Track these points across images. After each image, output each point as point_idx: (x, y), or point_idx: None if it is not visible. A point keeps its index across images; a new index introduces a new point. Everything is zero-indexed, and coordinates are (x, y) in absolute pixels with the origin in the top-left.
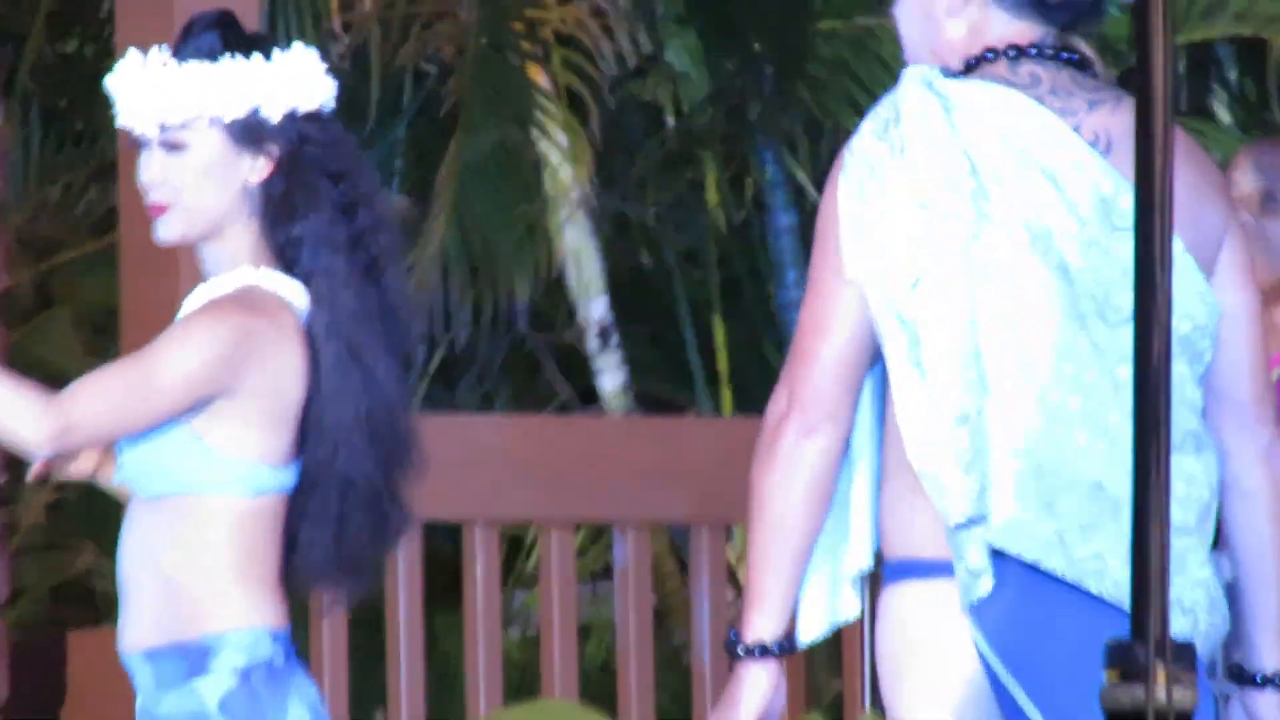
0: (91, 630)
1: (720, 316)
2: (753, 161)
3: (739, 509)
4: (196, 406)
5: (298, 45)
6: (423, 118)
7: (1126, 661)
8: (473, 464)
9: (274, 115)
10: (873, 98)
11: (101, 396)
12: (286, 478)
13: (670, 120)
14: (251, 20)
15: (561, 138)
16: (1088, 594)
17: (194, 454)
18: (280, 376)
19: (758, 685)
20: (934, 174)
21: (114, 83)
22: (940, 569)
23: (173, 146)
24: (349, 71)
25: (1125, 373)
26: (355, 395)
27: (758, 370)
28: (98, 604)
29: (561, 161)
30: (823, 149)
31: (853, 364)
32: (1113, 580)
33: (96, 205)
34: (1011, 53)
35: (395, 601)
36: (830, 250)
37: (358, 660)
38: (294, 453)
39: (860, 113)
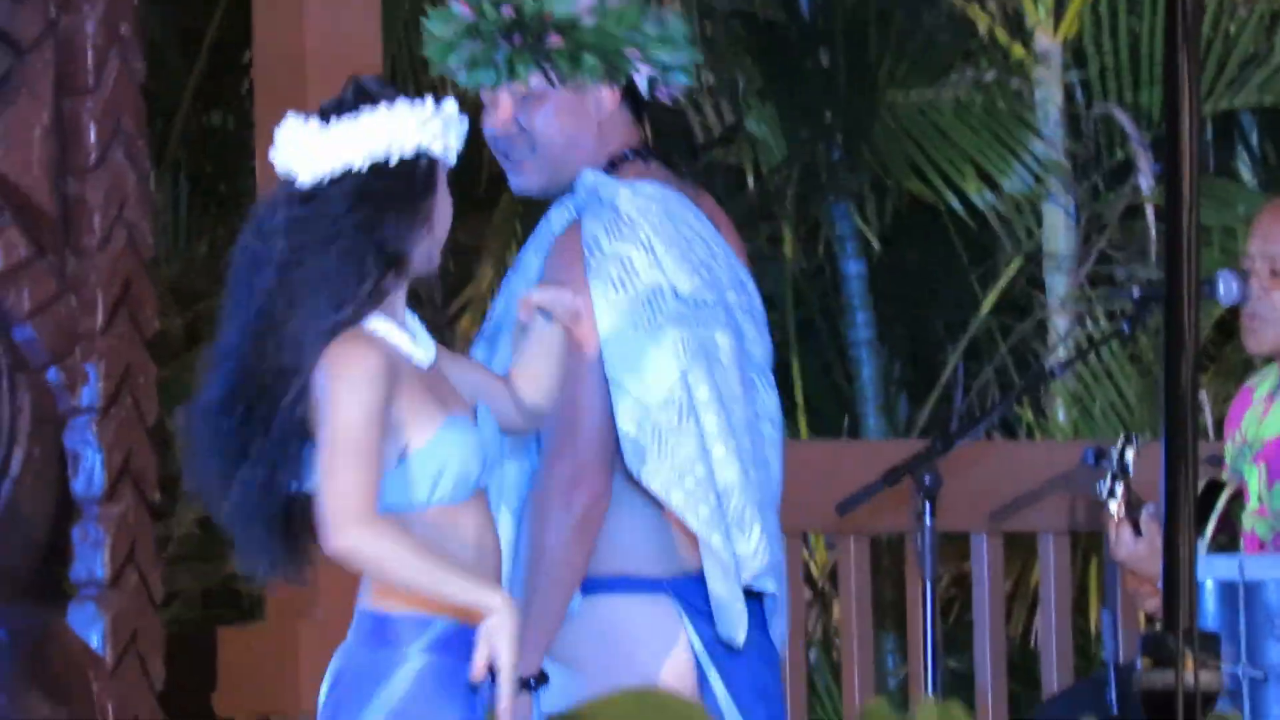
0: (238, 627)
1: (796, 352)
2: (824, 217)
3: (813, 519)
4: None
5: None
6: None
7: (1158, 649)
8: None
9: None
10: (930, 160)
11: None
12: None
13: (751, 182)
14: None
15: None
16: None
17: None
18: None
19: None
20: (683, 268)
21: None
22: (653, 586)
23: None
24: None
25: (770, 430)
26: None
27: (829, 398)
28: (242, 605)
29: None
30: (887, 205)
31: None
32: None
33: None
34: (644, 152)
35: None
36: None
37: None
38: None
39: (919, 174)
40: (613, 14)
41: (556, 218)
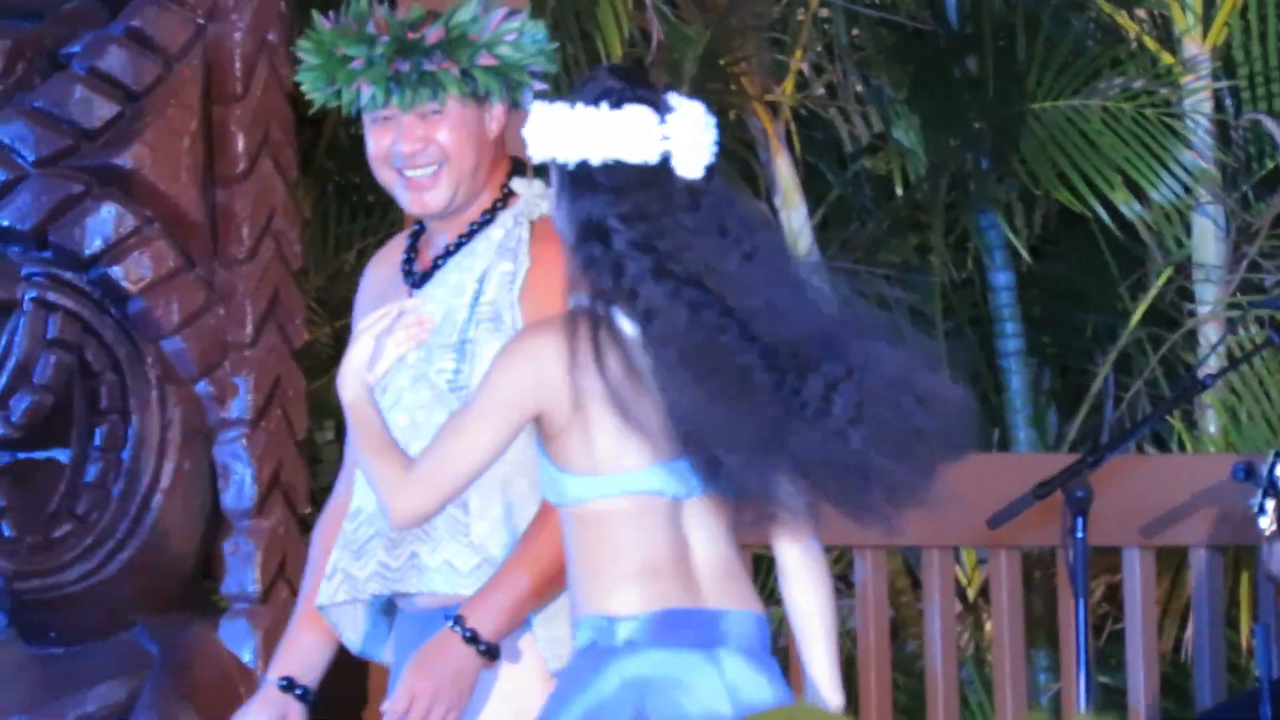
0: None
1: (945, 364)
2: (972, 227)
3: (964, 533)
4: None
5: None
6: None
7: None
8: None
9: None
10: (1078, 169)
11: (440, 458)
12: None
13: (899, 191)
14: None
15: (801, 208)
16: None
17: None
18: (573, 385)
19: None
20: None
21: None
22: None
23: None
24: None
25: None
26: None
27: (979, 410)
28: None
29: (801, 228)
30: (1035, 215)
31: None
32: None
33: None
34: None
35: None
36: None
37: None
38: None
39: (1067, 183)
40: (527, 32)
41: (501, 231)
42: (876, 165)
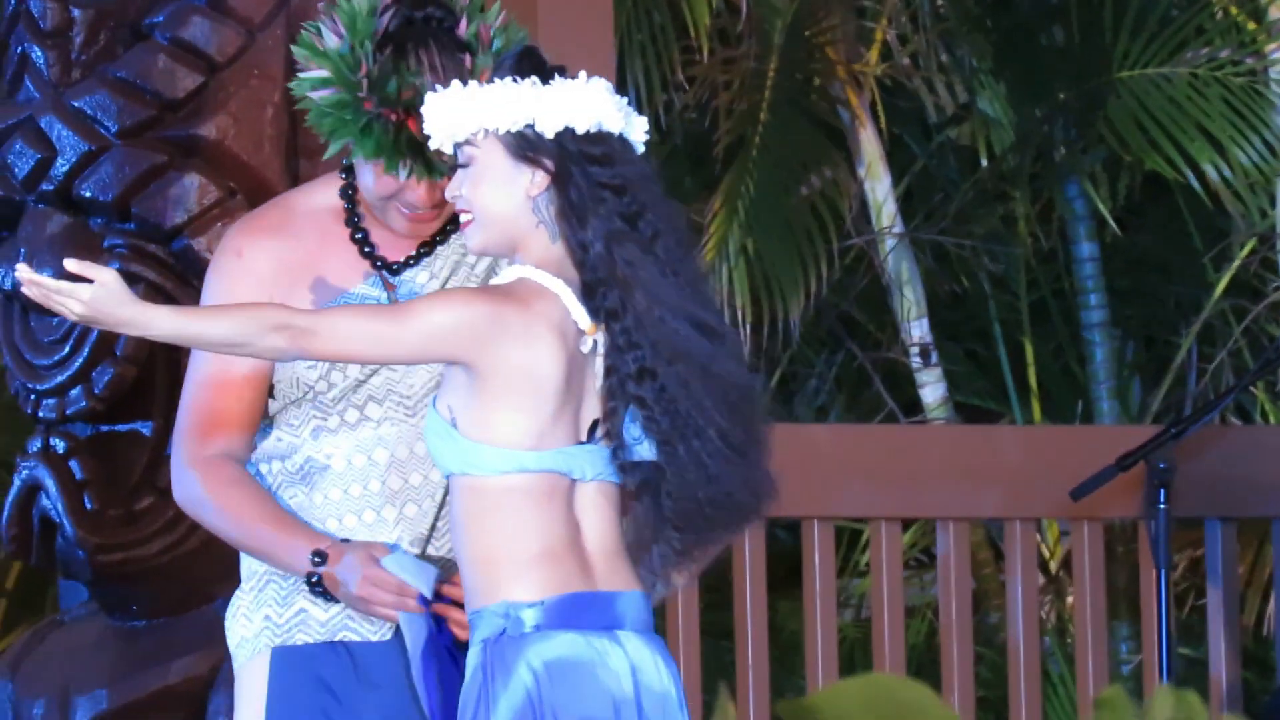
0: None
1: (1029, 335)
2: (1058, 197)
3: (1047, 504)
4: (432, 362)
5: (584, 75)
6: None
7: None
8: (810, 467)
9: (547, 131)
10: (1168, 137)
11: (349, 320)
12: (552, 460)
13: (984, 161)
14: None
15: (885, 179)
16: None
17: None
18: (532, 362)
19: None
20: None
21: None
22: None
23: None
24: (696, 120)
25: None
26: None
27: (1063, 382)
28: None
29: (885, 199)
30: (1120, 186)
31: None
32: None
33: None
34: None
35: (742, 589)
36: None
37: (709, 640)
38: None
39: (1158, 149)
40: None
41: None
42: (961, 135)
